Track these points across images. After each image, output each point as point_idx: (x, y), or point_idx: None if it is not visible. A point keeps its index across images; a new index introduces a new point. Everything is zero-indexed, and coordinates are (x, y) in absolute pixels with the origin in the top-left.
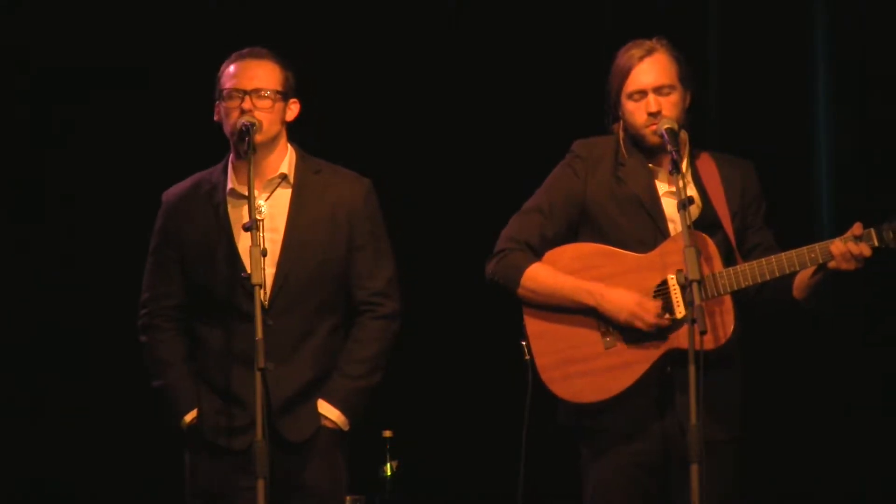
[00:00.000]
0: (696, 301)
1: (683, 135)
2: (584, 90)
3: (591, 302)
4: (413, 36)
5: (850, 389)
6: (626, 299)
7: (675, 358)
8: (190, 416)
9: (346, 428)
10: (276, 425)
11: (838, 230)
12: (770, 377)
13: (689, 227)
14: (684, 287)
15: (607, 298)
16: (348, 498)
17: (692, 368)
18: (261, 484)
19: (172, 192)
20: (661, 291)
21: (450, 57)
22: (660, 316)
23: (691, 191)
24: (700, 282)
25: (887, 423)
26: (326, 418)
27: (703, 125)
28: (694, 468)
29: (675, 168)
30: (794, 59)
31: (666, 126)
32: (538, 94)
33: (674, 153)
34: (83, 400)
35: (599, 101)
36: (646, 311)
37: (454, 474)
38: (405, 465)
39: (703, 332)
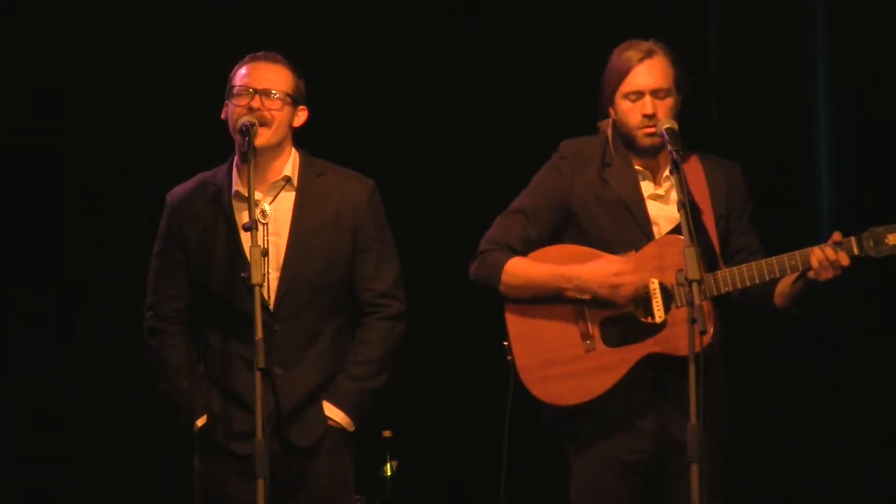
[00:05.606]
0: (696, 301)
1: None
2: (584, 89)
3: (567, 286)
4: (413, 35)
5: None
6: (602, 270)
7: (654, 362)
8: (201, 422)
9: (351, 429)
10: (285, 431)
11: (838, 230)
12: (758, 378)
13: (689, 226)
14: (666, 289)
15: (584, 276)
16: None
17: (692, 368)
18: (260, 484)
19: (176, 193)
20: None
21: (450, 55)
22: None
23: (676, 195)
24: (700, 282)
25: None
26: (332, 419)
27: (703, 125)
28: (694, 468)
29: (676, 168)
30: (794, 59)
31: (666, 126)
32: (537, 93)
33: (674, 153)
34: (83, 401)
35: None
36: (624, 281)
37: (454, 474)
38: (405, 465)
39: (703, 332)
